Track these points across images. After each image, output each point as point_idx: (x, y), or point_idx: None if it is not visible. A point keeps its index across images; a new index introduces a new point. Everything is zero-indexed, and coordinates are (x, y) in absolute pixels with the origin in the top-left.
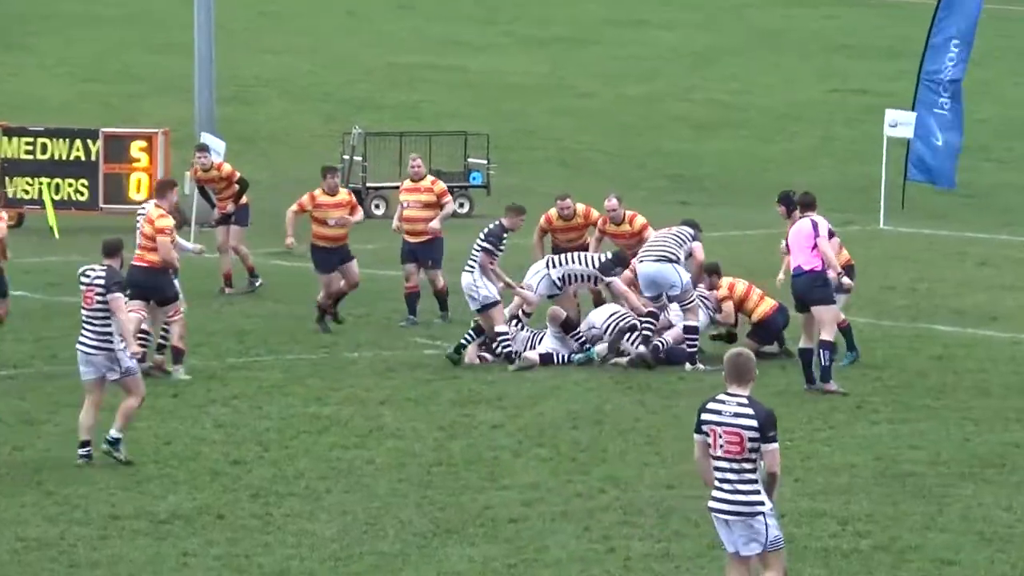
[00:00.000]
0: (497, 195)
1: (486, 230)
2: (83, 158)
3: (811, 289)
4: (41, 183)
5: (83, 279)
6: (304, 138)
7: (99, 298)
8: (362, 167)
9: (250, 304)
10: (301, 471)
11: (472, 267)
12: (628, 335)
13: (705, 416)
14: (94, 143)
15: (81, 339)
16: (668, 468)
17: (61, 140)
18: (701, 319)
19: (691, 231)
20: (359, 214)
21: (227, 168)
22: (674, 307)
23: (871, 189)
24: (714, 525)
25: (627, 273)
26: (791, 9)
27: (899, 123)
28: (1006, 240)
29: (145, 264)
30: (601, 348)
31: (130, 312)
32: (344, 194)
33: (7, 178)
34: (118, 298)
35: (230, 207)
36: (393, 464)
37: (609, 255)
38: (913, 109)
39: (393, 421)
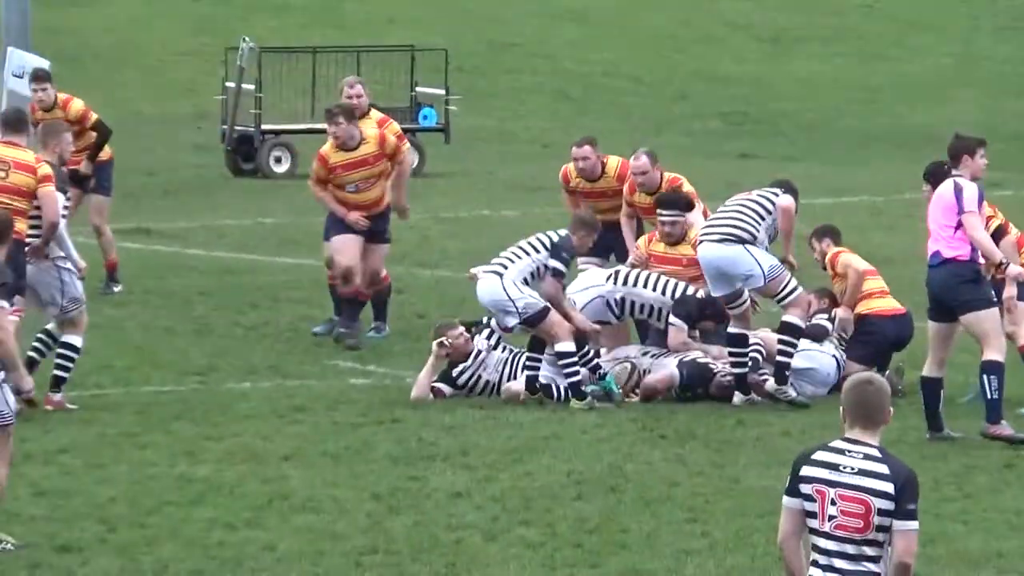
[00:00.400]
0: (460, 142)
1: (550, 239)
2: None
3: (955, 287)
4: None
5: None
6: (162, 57)
7: None
8: (255, 100)
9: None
10: (165, 562)
11: (501, 270)
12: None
13: (810, 471)
14: None
15: None
16: (720, 558)
17: None
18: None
19: (778, 189)
20: (407, 164)
21: (78, 106)
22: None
23: None
24: None
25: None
26: None
27: None
28: None
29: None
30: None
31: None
32: (371, 141)
33: None
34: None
35: (84, 165)
36: (304, 552)
37: (693, 292)
38: None
39: (303, 486)
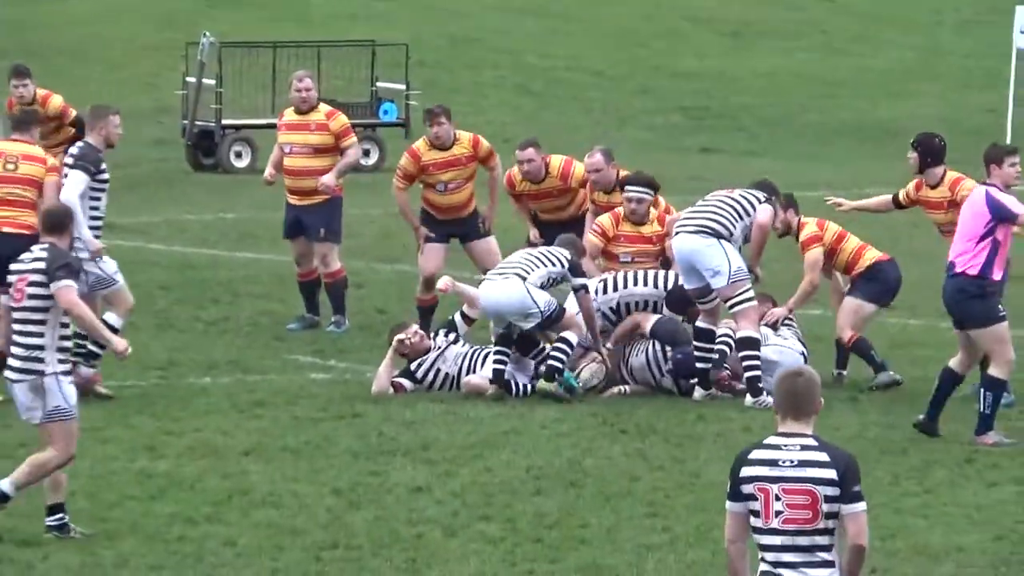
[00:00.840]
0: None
1: (561, 255)
2: None
3: (961, 301)
4: None
5: (14, 266)
6: (125, 52)
7: (36, 291)
8: (216, 95)
9: None
10: (125, 557)
11: (524, 275)
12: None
13: (749, 471)
14: None
15: (8, 359)
16: (680, 553)
17: None
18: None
19: (761, 195)
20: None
21: (57, 102)
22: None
23: (992, 128)
24: None
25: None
26: None
27: None
28: None
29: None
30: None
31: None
32: (464, 141)
33: None
34: (68, 287)
35: (63, 159)
36: (264, 547)
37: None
38: None
39: (263, 482)
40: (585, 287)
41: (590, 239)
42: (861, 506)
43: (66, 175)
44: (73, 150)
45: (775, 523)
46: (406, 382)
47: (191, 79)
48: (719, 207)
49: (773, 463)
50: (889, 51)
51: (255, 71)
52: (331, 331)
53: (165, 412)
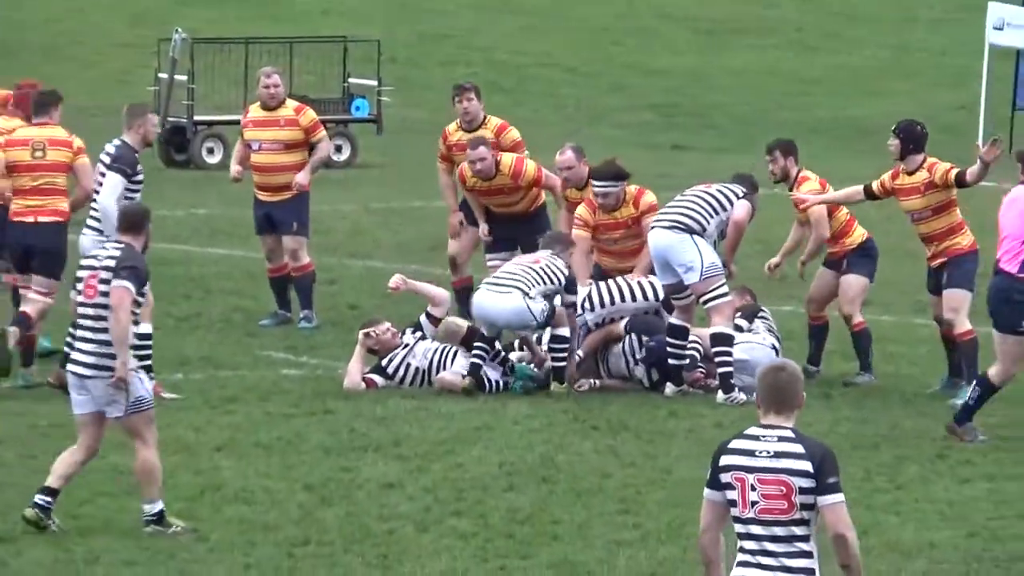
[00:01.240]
0: (392, 133)
1: (558, 271)
2: None
3: (998, 301)
4: None
5: (85, 262)
6: (97, 48)
7: (105, 287)
8: (188, 92)
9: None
10: (97, 553)
11: (526, 289)
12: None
13: (728, 460)
14: None
15: (74, 353)
16: (651, 549)
17: None
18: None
19: (740, 190)
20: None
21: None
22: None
23: (965, 125)
24: None
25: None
26: None
27: (1008, 24)
28: None
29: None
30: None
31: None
32: (491, 126)
33: None
34: (125, 288)
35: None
36: (236, 543)
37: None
38: None
39: (235, 477)
40: (575, 305)
41: (578, 234)
42: (838, 497)
43: (103, 174)
44: (110, 149)
45: (751, 513)
46: (377, 378)
47: (163, 75)
48: (694, 202)
49: (750, 453)
50: (863, 49)
51: (227, 67)
52: (302, 327)
53: None
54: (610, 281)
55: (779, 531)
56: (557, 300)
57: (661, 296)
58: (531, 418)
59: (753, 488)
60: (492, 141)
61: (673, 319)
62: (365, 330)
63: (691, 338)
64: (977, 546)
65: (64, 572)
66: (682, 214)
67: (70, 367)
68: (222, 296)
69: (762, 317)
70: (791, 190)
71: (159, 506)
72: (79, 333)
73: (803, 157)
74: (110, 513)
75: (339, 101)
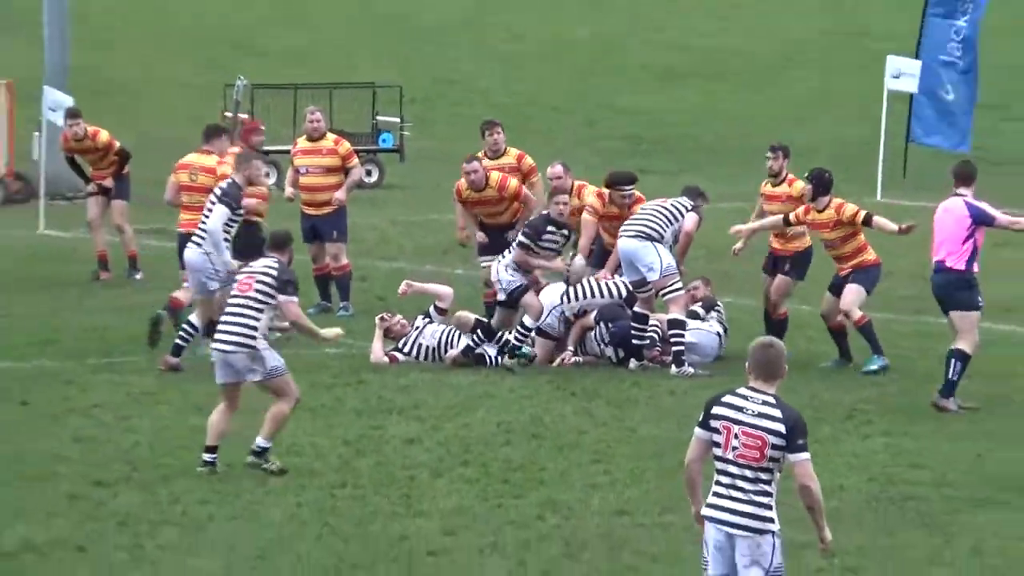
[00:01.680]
0: (412, 161)
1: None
2: None
3: (951, 292)
4: None
5: (245, 268)
6: (173, 91)
7: (262, 288)
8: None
9: (116, 293)
10: (177, 495)
11: (500, 258)
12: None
13: (720, 410)
14: None
15: (219, 335)
16: (619, 491)
17: None
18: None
19: (689, 203)
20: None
21: (104, 136)
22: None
23: (869, 154)
24: (709, 543)
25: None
26: None
27: (903, 73)
28: None
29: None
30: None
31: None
32: (511, 156)
33: None
34: (293, 302)
35: (109, 180)
36: (288, 487)
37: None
38: (918, 57)
39: (288, 435)
40: (523, 245)
41: (587, 219)
42: (805, 455)
43: (213, 204)
44: (223, 184)
45: (730, 455)
46: (398, 355)
47: (229, 114)
48: (653, 215)
49: (740, 409)
50: (792, 88)
51: (279, 108)
52: (341, 315)
53: (209, 380)
54: (583, 281)
55: (748, 473)
56: (545, 292)
57: (624, 293)
58: (523, 387)
59: (736, 436)
60: (514, 166)
61: (637, 308)
62: (380, 316)
63: (651, 323)
64: (876, 488)
65: (151, 510)
66: (645, 225)
67: (215, 346)
68: None
69: (716, 309)
70: (775, 186)
71: (268, 444)
72: (226, 319)
73: (742, 178)
74: (188, 464)
75: (369, 135)
